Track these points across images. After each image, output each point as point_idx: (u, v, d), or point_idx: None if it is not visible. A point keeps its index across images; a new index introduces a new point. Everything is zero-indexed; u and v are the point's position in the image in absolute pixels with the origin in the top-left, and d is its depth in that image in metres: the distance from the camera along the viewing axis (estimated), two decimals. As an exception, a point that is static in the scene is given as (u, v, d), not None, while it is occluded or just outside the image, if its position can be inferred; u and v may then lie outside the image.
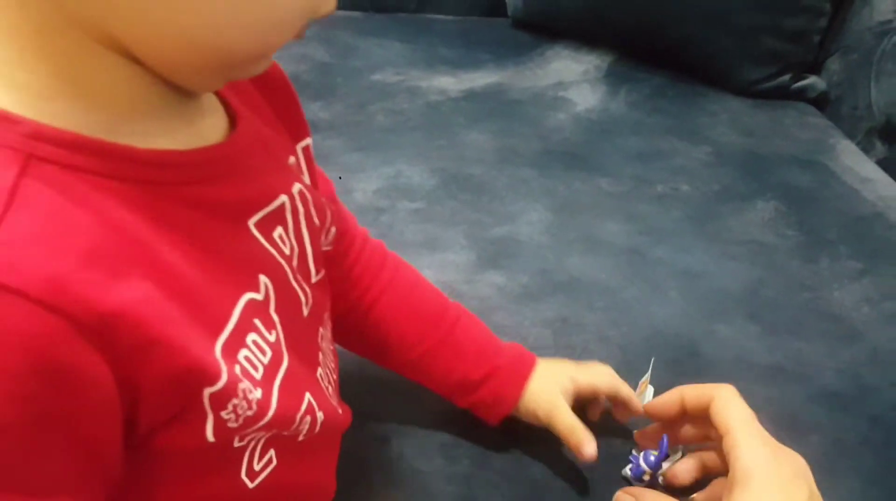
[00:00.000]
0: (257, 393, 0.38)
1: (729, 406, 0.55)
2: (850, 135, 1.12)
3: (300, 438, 0.43)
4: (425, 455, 0.61)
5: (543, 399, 0.59)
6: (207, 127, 0.39)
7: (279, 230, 0.42)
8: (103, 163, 0.32)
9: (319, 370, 0.47)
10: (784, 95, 1.18)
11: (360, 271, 0.58)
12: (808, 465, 0.59)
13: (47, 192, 0.30)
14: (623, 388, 0.61)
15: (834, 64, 1.19)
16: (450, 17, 1.34)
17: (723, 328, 0.76)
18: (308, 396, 0.43)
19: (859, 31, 1.16)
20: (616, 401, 0.62)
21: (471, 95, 1.12)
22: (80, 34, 0.32)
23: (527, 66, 1.21)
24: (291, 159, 0.46)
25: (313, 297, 0.46)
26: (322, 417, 0.45)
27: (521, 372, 0.60)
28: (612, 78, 1.20)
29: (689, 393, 0.58)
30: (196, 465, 0.39)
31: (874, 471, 0.65)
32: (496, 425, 0.61)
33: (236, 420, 0.37)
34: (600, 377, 0.61)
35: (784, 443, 0.65)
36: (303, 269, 0.45)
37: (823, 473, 0.64)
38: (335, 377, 0.51)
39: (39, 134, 0.31)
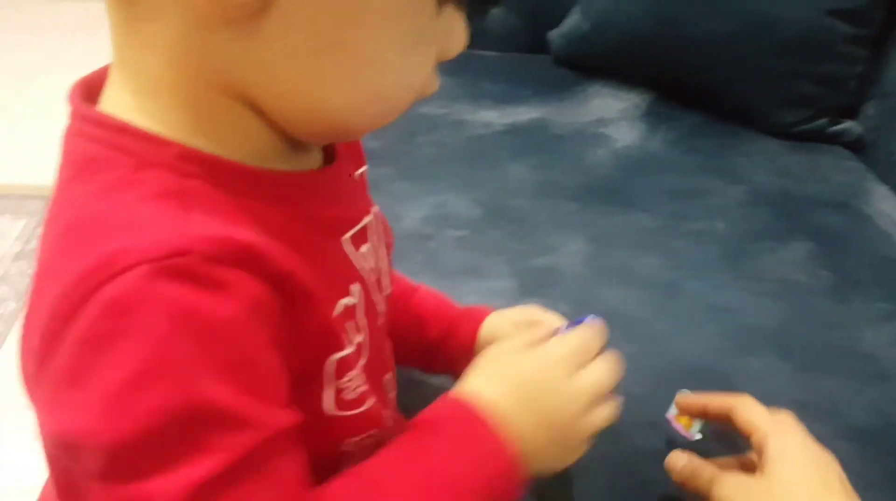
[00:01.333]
0: (362, 378, 0.45)
1: (751, 411, 0.59)
2: (885, 179, 1.14)
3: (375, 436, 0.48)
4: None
5: (500, 328, 0.63)
6: (308, 158, 0.46)
7: (365, 247, 0.48)
8: (240, 180, 0.39)
9: (387, 376, 0.52)
10: (820, 138, 1.21)
11: None
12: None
13: (206, 195, 0.38)
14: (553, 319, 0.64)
15: (870, 109, 1.22)
16: (493, 54, 1.38)
17: (753, 362, 0.79)
18: (384, 396, 0.49)
19: (895, 79, 1.18)
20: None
21: (513, 129, 1.16)
22: (222, 92, 0.39)
23: (568, 102, 1.25)
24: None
25: (385, 309, 0.51)
26: (390, 419, 0.50)
27: (477, 315, 0.65)
28: (651, 116, 1.23)
29: (713, 403, 0.62)
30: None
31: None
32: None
33: (353, 392, 0.44)
34: (534, 312, 0.65)
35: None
36: (379, 283, 0.50)
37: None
38: (394, 387, 0.55)
39: (186, 155, 0.38)
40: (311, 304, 0.40)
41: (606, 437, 0.61)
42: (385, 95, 0.41)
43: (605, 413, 0.48)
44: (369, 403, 0.46)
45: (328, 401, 0.43)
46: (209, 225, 0.36)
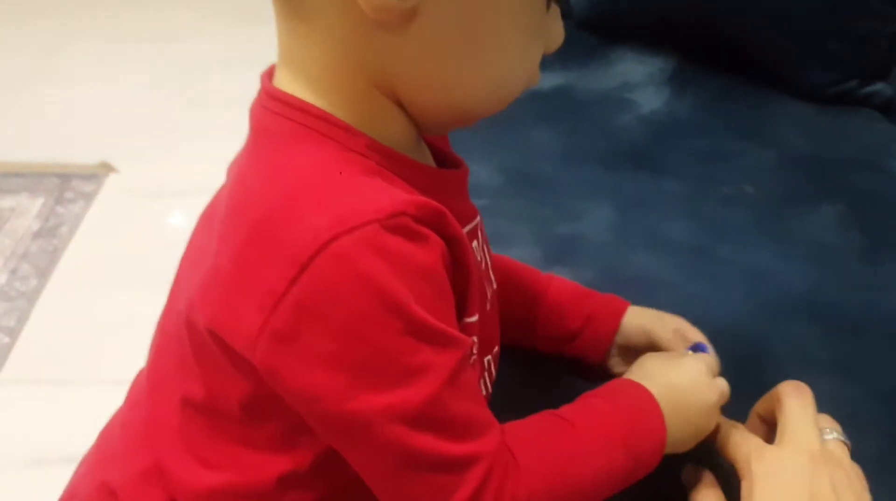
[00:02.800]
0: (475, 351, 0.52)
1: (786, 398, 0.60)
2: (918, 140, 1.12)
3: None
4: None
5: (648, 317, 0.69)
6: (423, 155, 0.54)
7: (476, 243, 0.55)
8: (408, 171, 0.48)
9: (489, 357, 0.57)
10: (851, 100, 1.18)
11: None
12: (868, 461, 0.62)
13: (391, 177, 0.47)
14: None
15: (903, 69, 1.19)
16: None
17: (785, 325, 0.78)
18: (483, 374, 0.56)
19: (930, 36, 1.15)
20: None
21: (537, 96, 1.14)
22: (373, 88, 0.47)
23: (592, 67, 1.24)
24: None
25: (493, 295, 0.58)
26: (489, 391, 0.57)
27: (617, 309, 0.70)
28: (677, 80, 1.21)
29: (761, 407, 0.63)
30: None
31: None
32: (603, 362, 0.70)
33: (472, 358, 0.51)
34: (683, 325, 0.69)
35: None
36: (487, 276, 0.57)
37: (882, 468, 0.66)
38: (496, 367, 0.60)
39: (371, 145, 0.47)
40: (462, 264, 0.48)
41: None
42: (507, 83, 0.49)
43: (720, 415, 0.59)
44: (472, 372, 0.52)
45: None
46: (410, 195, 0.45)
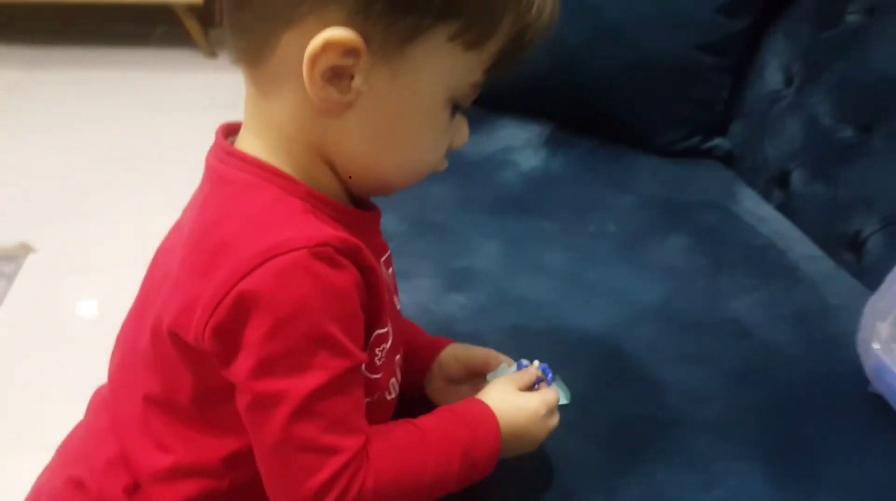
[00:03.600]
0: (382, 356, 0.65)
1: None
2: (753, 185, 1.33)
3: (386, 397, 0.68)
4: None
5: (458, 348, 0.80)
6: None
7: (389, 271, 0.70)
8: (335, 212, 0.60)
9: (397, 357, 0.70)
10: (696, 153, 1.39)
11: None
12: (709, 427, 0.80)
13: (318, 216, 0.58)
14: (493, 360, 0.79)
15: (737, 126, 1.42)
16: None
17: (643, 329, 0.95)
18: (393, 369, 0.68)
19: (754, 100, 1.38)
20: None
21: (432, 158, 1.31)
22: (316, 154, 0.60)
23: (479, 134, 1.40)
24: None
25: (399, 309, 0.72)
26: (396, 387, 0.70)
27: (435, 349, 0.80)
28: (552, 143, 1.40)
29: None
30: None
31: (763, 429, 0.82)
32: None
33: (379, 360, 0.64)
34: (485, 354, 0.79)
35: (689, 411, 0.84)
36: (396, 293, 0.71)
37: (721, 431, 0.82)
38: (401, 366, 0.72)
39: (309, 192, 0.59)
40: (374, 287, 0.59)
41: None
42: (417, 167, 0.63)
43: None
44: (381, 373, 0.65)
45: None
46: (335, 231, 0.56)
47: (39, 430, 1.21)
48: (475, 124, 1.43)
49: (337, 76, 0.55)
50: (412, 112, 0.59)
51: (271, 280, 0.53)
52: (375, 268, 0.59)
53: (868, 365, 0.85)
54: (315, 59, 0.54)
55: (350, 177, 0.61)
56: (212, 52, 2.93)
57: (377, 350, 0.63)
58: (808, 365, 0.91)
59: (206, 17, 2.95)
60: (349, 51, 0.54)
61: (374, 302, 0.60)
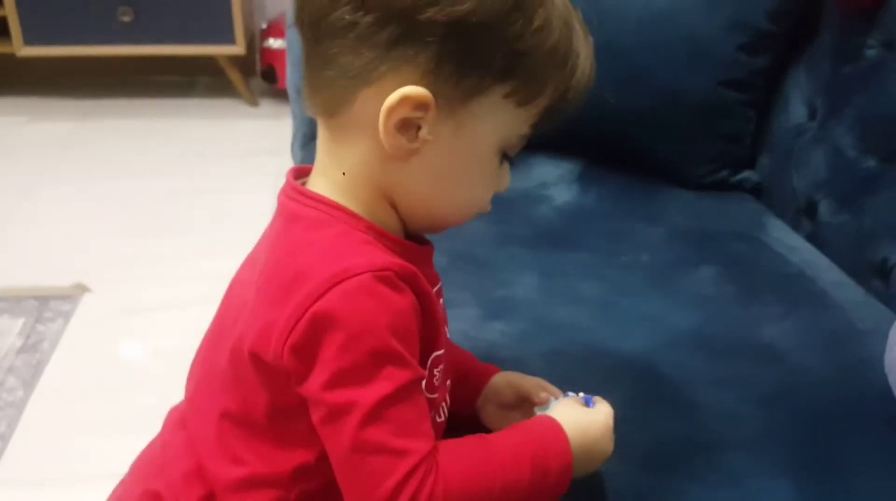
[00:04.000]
0: (439, 381, 0.71)
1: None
2: (782, 216, 1.37)
3: (436, 420, 0.72)
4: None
5: (511, 375, 0.85)
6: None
7: (441, 301, 0.74)
8: (393, 245, 0.67)
9: (449, 381, 0.76)
10: (725, 186, 1.44)
11: None
12: (742, 446, 0.84)
13: (379, 246, 0.65)
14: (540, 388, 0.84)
15: (764, 159, 1.46)
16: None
17: (675, 355, 0.99)
18: (444, 393, 0.74)
19: (780, 133, 1.43)
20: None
21: (470, 196, 1.37)
22: (380, 194, 0.67)
23: (515, 171, 1.46)
24: None
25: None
26: (445, 413, 0.75)
27: (485, 375, 0.85)
28: (585, 179, 1.46)
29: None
30: None
31: (794, 448, 0.86)
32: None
33: (438, 381, 0.70)
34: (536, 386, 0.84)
35: (723, 432, 0.88)
36: (446, 322, 0.76)
37: (754, 451, 0.86)
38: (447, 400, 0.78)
39: (371, 226, 0.66)
40: (430, 312, 0.66)
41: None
42: (469, 208, 0.71)
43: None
44: (438, 393, 0.71)
45: (425, 381, 0.67)
46: (394, 259, 0.63)
47: (98, 462, 1.28)
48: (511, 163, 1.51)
49: (406, 127, 0.63)
50: (469, 159, 0.67)
51: (341, 301, 0.60)
52: (430, 294, 0.65)
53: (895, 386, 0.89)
54: (391, 111, 0.62)
55: (409, 216, 0.68)
56: (253, 101, 3.04)
57: (435, 371, 0.69)
58: (838, 387, 0.94)
59: (247, 67, 3.07)
60: (421, 105, 0.62)
61: (429, 325, 0.66)
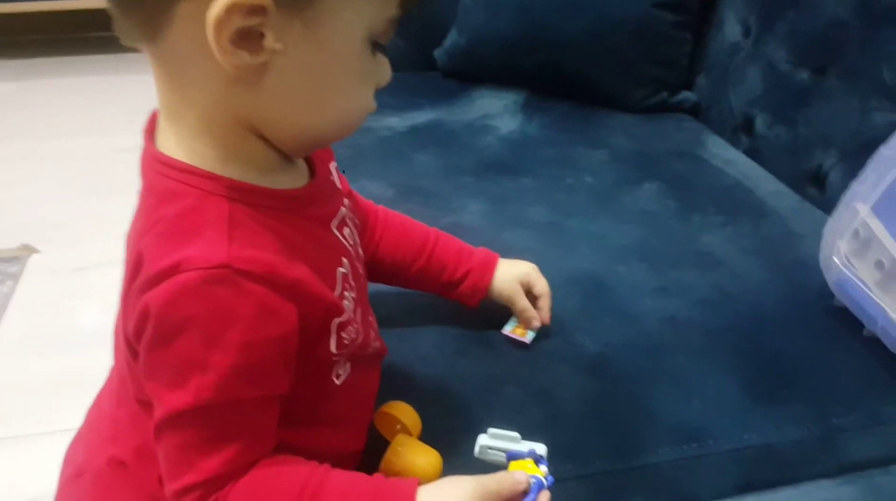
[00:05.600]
0: (355, 326, 0.64)
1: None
2: (720, 133, 1.41)
3: (369, 353, 0.70)
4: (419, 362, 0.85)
5: (507, 288, 0.87)
6: (301, 170, 0.65)
7: (346, 230, 0.68)
8: (265, 200, 0.58)
9: (370, 317, 0.74)
10: (665, 108, 1.47)
11: (371, 227, 0.85)
12: (687, 349, 0.87)
13: (244, 217, 0.56)
14: (547, 299, 0.88)
15: (702, 80, 1.49)
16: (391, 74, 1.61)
17: (621, 268, 1.01)
18: (371, 330, 0.70)
19: (716, 53, 1.46)
20: (543, 304, 0.89)
21: (414, 130, 1.38)
22: (241, 129, 0.57)
23: (458, 105, 1.48)
24: (333, 178, 0.71)
25: (363, 271, 0.72)
26: (378, 344, 0.73)
27: (489, 269, 0.87)
28: (528, 108, 1.47)
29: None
30: (314, 367, 0.64)
31: (737, 346, 0.89)
32: (475, 307, 0.88)
33: (349, 339, 0.64)
34: (542, 284, 0.88)
35: (668, 337, 0.91)
36: (357, 254, 0.71)
37: (697, 352, 0.89)
38: (375, 323, 0.76)
39: (232, 186, 0.56)
40: (315, 294, 0.58)
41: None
42: (350, 115, 0.60)
43: None
44: (360, 339, 0.66)
45: (332, 346, 0.63)
46: (245, 246, 0.54)
47: (54, 418, 1.28)
48: (453, 96, 1.52)
49: (246, 38, 0.52)
50: (333, 61, 0.56)
51: (164, 296, 0.53)
52: (301, 280, 0.57)
53: (831, 280, 0.93)
54: (220, 23, 0.50)
55: (282, 142, 0.59)
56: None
57: (343, 334, 0.64)
58: (777, 287, 0.98)
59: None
60: (254, 9, 0.51)
61: (315, 307, 0.59)
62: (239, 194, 0.57)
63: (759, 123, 1.32)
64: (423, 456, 0.72)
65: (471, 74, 1.58)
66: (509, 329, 0.89)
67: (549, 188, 1.20)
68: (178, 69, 0.55)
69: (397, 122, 1.40)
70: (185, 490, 0.57)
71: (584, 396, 0.83)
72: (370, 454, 0.73)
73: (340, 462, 0.71)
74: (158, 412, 0.56)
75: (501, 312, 0.89)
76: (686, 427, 0.80)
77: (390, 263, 0.85)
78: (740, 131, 1.37)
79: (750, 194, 1.19)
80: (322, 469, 0.60)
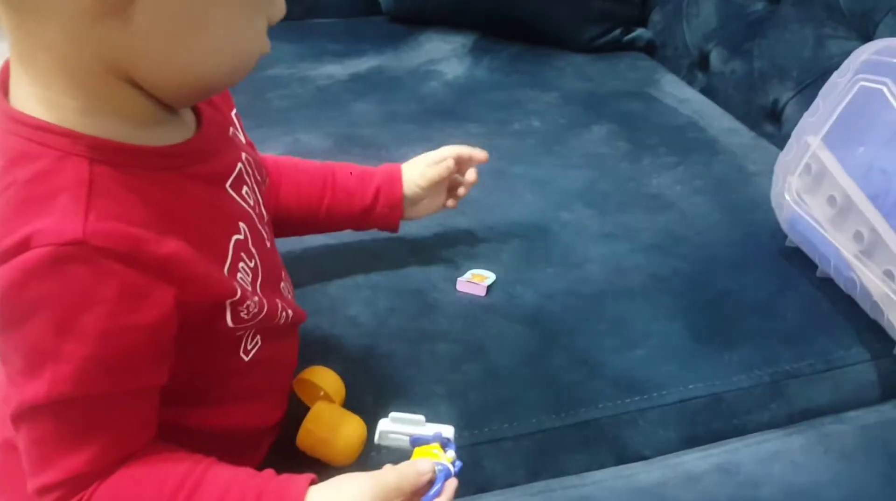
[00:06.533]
0: (256, 299, 0.57)
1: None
2: (675, 71, 1.35)
3: (280, 323, 0.63)
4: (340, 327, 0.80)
5: (415, 175, 0.82)
6: (186, 121, 0.56)
7: (245, 188, 0.60)
8: (135, 159, 0.50)
9: (282, 284, 0.67)
10: (618, 47, 1.40)
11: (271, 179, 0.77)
12: (631, 294, 0.82)
13: (109, 182, 0.48)
14: (463, 148, 0.84)
15: (656, 16, 1.42)
16: (333, 20, 1.53)
17: (566, 214, 0.96)
18: (278, 300, 0.62)
19: (671, -13, 1.39)
20: (463, 160, 0.84)
21: (356, 77, 1.31)
22: (107, 74, 0.48)
23: (403, 50, 1.41)
24: (231, 129, 0.63)
25: (268, 233, 0.65)
26: (290, 313, 0.65)
27: (395, 180, 0.82)
28: (476, 52, 1.40)
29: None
30: (216, 345, 0.57)
31: (684, 292, 0.85)
32: (397, 229, 0.83)
33: (248, 314, 0.57)
34: (445, 148, 0.84)
35: (611, 282, 0.87)
36: (260, 214, 0.63)
37: (642, 298, 0.85)
38: (291, 288, 0.70)
39: (95, 144, 0.48)
40: (195, 274, 0.51)
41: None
42: (236, 55, 0.51)
43: None
44: (264, 312, 0.58)
45: (228, 320, 0.56)
46: (106, 218, 0.47)
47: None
48: (398, 40, 1.45)
49: None
50: None
51: (10, 277, 0.46)
52: (177, 255, 0.50)
53: (783, 219, 0.88)
54: None
55: (160, 90, 0.50)
56: None
57: (240, 309, 0.56)
58: (727, 228, 0.94)
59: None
60: None
61: (198, 289, 0.52)
62: (102, 153, 0.49)
63: (715, 58, 1.26)
64: (345, 425, 0.67)
65: (417, 17, 1.50)
66: (465, 278, 0.84)
67: (494, 134, 1.14)
68: (27, 7, 0.46)
69: (338, 69, 1.33)
70: (46, 489, 0.51)
71: (521, 349, 0.78)
72: (290, 424, 0.68)
73: (260, 436, 0.67)
74: (14, 401, 0.50)
75: (443, 263, 0.86)
76: (628, 379, 0.76)
77: (296, 209, 0.79)
78: (696, 69, 1.32)
79: (703, 133, 1.14)
80: (202, 466, 0.53)
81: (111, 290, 0.47)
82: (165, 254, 0.49)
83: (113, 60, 0.48)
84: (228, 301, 0.54)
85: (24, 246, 0.46)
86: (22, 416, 0.50)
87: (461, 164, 0.85)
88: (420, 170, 0.83)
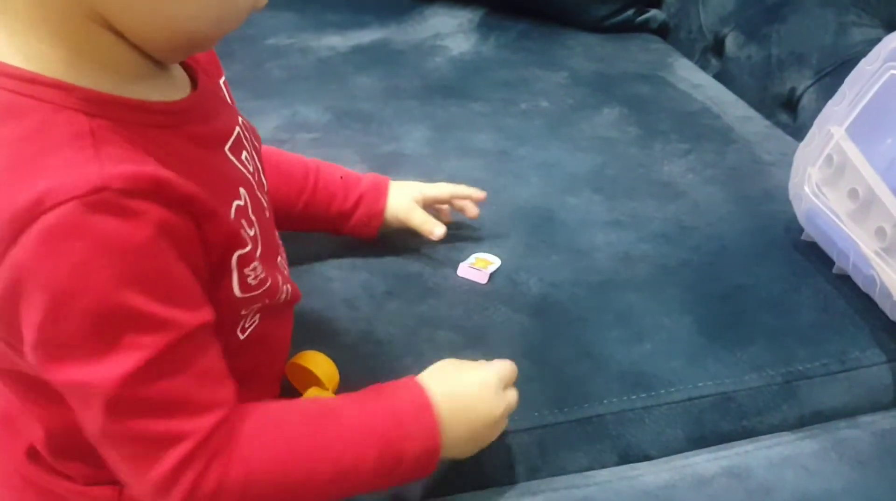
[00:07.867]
0: (259, 266, 0.54)
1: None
2: (689, 55, 1.31)
3: (280, 300, 0.60)
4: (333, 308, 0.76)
5: (401, 206, 0.79)
6: (179, 82, 0.53)
7: (244, 153, 0.57)
8: (132, 115, 0.47)
9: (279, 258, 0.63)
10: (631, 28, 1.36)
11: None
12: (639, 285, 0.79)
13: (110, 135, 0.45)
14: (460, 188, 0.82)
15: (670, -4, 1.38)
16: (336, -10, 1.48)
17: (572, 199, 0.93)
18: (277, 274, 0.59)
19: (687, -33, 1.34)
20: (460, 199, 0.82)
21: (358, 50, 1.27)
22: (89, 22, 0.45)
23: (407, 23, 1.37)
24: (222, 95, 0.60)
25: (267, 202, 0.61)
26: (289, 288, 0.62)
27: (381, 192, 0.79)
28: (483, 27, 1.36)
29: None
30: (218, 321, 0.51)
31: (694, 285, 0.81)
32: (374, 238, 0.80)
33: (255, 279, 0.54)
34: (441, 186, 0.82)
35: (619, 272, 0.83)
36: (259, 181, 0.60)
37: (650, 290, 0.81)
38: (286, 263, 0.66)
39: (89, 97, 0.45)
40: (211, 215, 0.48)
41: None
42: (229, 5, 0.48)
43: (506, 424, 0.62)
44: (268, 283, 0.56)
45: (235, 287, 0.53)
46: (119, 162, 0.44)
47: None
48: (403, 13, 1.40)
49: None
50: None
51: (37, 247, 0.42)
52: (196, 197, 0.47)
53: (800, 211, 0.84)
54: None
55: (147, 42, 0.47)
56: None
57: (247, 270, 0.53)
58: (741, 220, 0.90)
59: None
60: None
61: (213, 230, 0.49)
62: (98, 107, 0.45)
63: (730, 42, 1.22)
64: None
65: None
66: (469, 263, 0.81)
67: (500, 114, 1.10)
68: None
69: (339, 41, 1.28)
70: (181, 466, 0.47)
71: (524, 340, 0.75)
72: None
73: None
74: (96, 403, 0.45)
75: (444, 246, 0.83)
76: (635, 374, 0.72)
77: (272, 202, 0.74)
78: (710, 53, 1.28)
79: (717, 120, 1.10)
80: (315, 399, 0.59)
81: (147, 229, 0.44)
82: (187, 192, 0.46)
83: (92, 4, 0.44)
84: (238, 253, 0.51)
85: (37, 210, 0.42)
86: (109, 410, 0.45)
87: (456, 202, 0.83)
88: (407, 205, 0.80)
